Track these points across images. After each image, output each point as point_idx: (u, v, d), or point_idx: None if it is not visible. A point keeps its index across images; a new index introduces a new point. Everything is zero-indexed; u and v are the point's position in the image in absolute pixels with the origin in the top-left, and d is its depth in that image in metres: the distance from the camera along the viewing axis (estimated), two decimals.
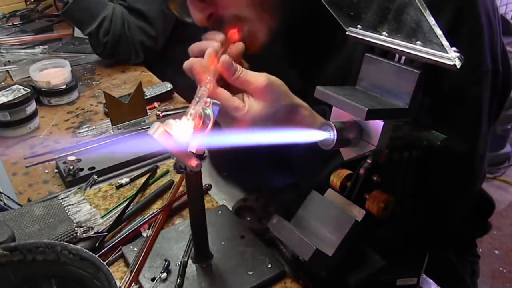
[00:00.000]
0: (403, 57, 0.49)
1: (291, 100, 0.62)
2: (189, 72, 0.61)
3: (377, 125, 0.48)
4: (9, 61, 1.46)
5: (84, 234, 0.74)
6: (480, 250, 1.13)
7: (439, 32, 0.43)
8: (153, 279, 0.65)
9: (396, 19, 0.47)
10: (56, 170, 0.93)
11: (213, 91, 0.57)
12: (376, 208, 0.51)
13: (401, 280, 0.59)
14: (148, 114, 1.07)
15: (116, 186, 0.88)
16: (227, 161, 0.93)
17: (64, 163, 0.90)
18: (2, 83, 1.34)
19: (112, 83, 1.34)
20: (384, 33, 0.49)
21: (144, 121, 1.06)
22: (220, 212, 0.78)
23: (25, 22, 1.77)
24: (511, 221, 2.21)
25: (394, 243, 0.60)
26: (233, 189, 0.88)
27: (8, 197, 0.83)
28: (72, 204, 0.80)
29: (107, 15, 1.32)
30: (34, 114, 1.10)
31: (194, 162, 0.50)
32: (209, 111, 0.51)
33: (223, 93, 0.59)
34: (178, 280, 0.65)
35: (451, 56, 0.43)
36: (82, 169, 0.91)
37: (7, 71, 1.40)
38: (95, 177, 0.89)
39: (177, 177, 0.88)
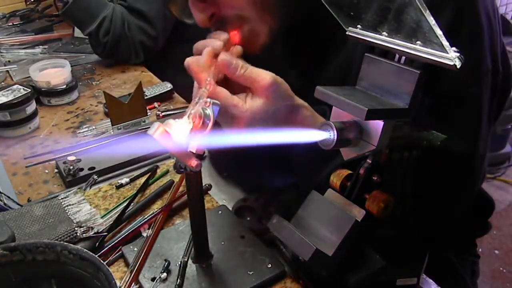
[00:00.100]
0: (403, 57, 0.49)
1: (292, 100, 0.62)
2: (189, 70, 0.61)
3: (377, 125, 0.48)
4: (9, 61, 1.46)
5: (84, 234, 0.74)
6: (480, 250, 1.13)
7: (439, 32, 0.43)
8: (153, 279, 0.65)
9: (396, 19, 0.47)
10: (56, 170, 0.93)
11: (212, 91, 0.57)
12: (376, 208, 0.51)
13: (401, 280, 0.59)
14: (148, 114, 1.07)
15: (116, 186, 0.88)
16: (227, 161, 0.93)
17: (64, 163, 0.90)
18: (2, 83, 1.34)
19: (112, 83, 1.34)
20: (384, 33, 0.49)
21: (144, 121, 1.06)
22: (220, 212, 0.78)
23: (25, 22, 1.77)
24: (511, 221, 2.21)
25: (394, 243, 0.60)
26: (233, 189, 0.88)
27: (8, 197, 0.83)
28: (72, 204, 0.80)
29: (107, 15, 1.32)
30: (34, 114, 1.10)
31: (194, 162, 0.50)
32: (209, 111, 0.51)
33: (222, 91, 0.58)
34: (178, 280, 0.65)
35: (451, 56, 0.43)
36: (82, 169, 0.91)
37: (7, 71, 1.40)
38: (95, 177, 0.89)
39: (177, 177, 0.88)
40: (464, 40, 0.59)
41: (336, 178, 0.55)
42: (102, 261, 0.52)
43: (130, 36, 1.35)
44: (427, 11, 0.43)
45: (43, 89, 1.20)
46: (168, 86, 1.22)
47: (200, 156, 0.51)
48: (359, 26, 0.52)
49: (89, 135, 1.06)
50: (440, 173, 0.65)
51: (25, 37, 1.63)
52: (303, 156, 0.69)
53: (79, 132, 1.06)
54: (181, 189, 0.86)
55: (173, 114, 1.14)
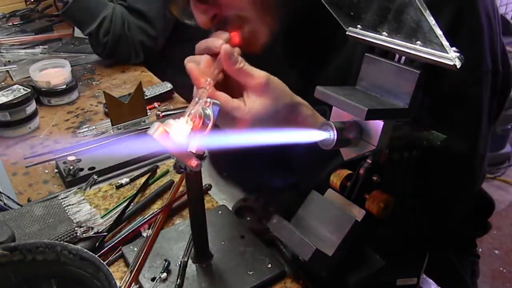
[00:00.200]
0: (403, 57, 0.49)
1: (292, 99, 0.62)
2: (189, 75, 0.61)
3: (377, 125, 0.48)
4: (9, 61, 1.46)
5: (84, 234, 0.74)
6: (480, 250, 1.13)
7: (439, 32, 0.43)
8: (153, 279, 0.65)
9: (396, 19, 0.47)
10: (56, 170, 0.93)
11: (211, 94, 0.57)
12: (376, 208, 0.51)
13: (401, 280, 0.59)
14: (148, 114, 1.07)
15: (116, 186, 0.88)
16: (227, 161, 0.93)
17: (64, 163, 0.90)
18: (2, 83, 1.34)
19: (112, 83, 1.34)
20: (384, 33, 0.49)
21: (144, 121, 1.06)
22: (220, 212, 0.78)
23: (25, 22, 1.77)
24: (511, 221, 2.21)
25: (394, 243, 0.60)
26: (233, 189, 0.88)
27: (8, 197, 0.83)
28: (72, 204, 0.80)
29: (107, 15, 1.32)
30: (34, 114, 1.10)
31: (194, 162, 0.50)
32: (209, 111, 0.51)
33: (222, 95, 0.58)
34: (178, 280, 0.65)
35: (451, 56, 0.43)
36: (82, 169, 0.91)
37: (7, 71, 1.40)
38: (95, 177, 0.89)
39: (177, 177, 0.88)
40: (464, 40, 0.59)
41: (336, 178, 0.55)
42: (102, 261, 0.52)
43: (130, 36, 1.35)
44: (427, 11, 0.43)
45: (43, 89, 1.20)
46: (168, 86, 1.22)
47: (200, 156, 0.51)
48: (359, 26, 0.52)
49: (89, 135, 1.06)
50: (440, 173, 0.65)
51: (25, 37, 1.63)
52: (303, 156, 0.69)
53: (79, 132, 1.07)
54: (181, 189, 0.86)
55: (173, 114, 1.14)
